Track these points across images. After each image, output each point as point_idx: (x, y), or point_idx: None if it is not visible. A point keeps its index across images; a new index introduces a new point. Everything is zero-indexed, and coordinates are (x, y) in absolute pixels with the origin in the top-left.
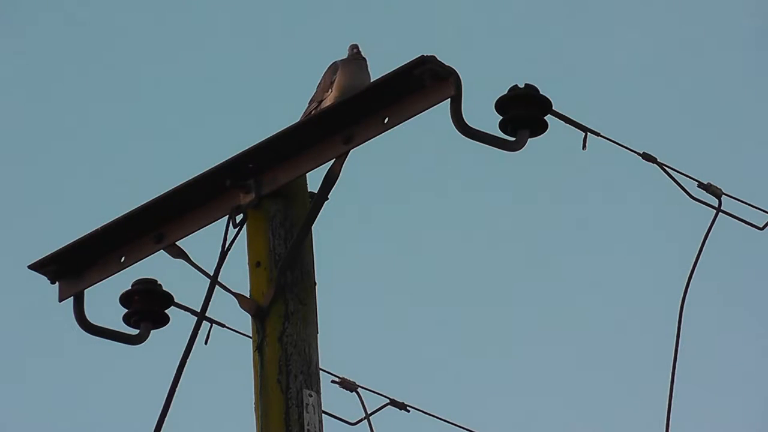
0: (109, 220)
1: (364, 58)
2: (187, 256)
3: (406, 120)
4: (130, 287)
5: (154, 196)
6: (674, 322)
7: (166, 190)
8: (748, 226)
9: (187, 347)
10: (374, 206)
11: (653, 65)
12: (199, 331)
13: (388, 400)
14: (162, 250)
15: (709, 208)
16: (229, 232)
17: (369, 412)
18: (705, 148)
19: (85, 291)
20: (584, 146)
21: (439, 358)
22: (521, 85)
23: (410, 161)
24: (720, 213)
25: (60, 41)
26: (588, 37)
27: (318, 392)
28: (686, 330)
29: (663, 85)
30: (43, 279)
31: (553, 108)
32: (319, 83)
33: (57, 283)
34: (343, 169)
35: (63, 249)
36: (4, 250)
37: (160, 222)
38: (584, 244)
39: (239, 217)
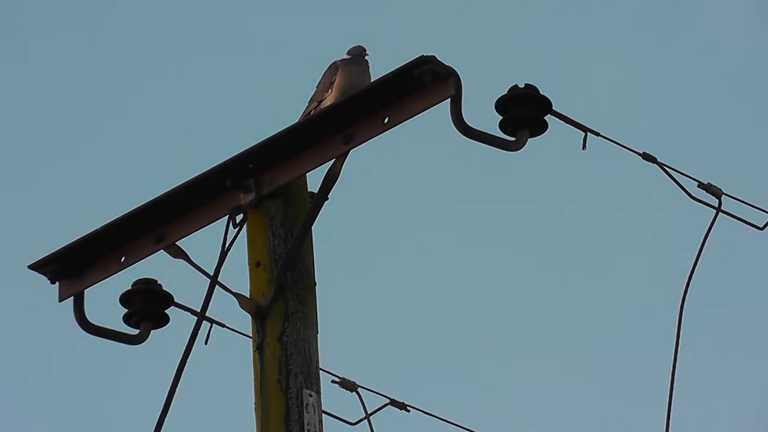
0: (109, 220)
1: (366, 60)
2: (187, 256)
3: (406, 120)
4: (130, 287)
5: (154, 196)
6: (674, 321)
7: (166, 190)
8: (748, 226)
9: (187, 347)
10: (374, 206)
11: (653, 65)
12: (199, 331)
13: (388, 400)
14: (162, 250)
15: (709, 208)
16: (229, 232)
17: (369, 412)
18: (705, 148)
19: (85, 291)
20: (584, 146)
21: (439, 358)
22: (521, 85)
23: (410, 161)
24: (720, 213)
25: (60, 42)
26: (588, 37)
27: (318, 392)
28: (686, 330)
29: (663, 85)
30: (43, 279)
31: (553, 108)
32: (319, 83)
33: (57, 283)
34: (343, 169)
35: (63, 249)
36: (4, 250)
37: (160, 222)
38: (584, 244)
39: (239, 217)
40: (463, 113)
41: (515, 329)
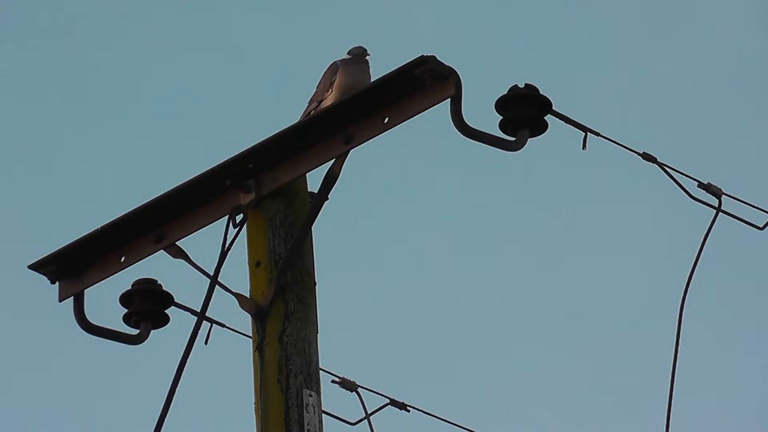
0: (109, 220)
1: (366, 60)
2: (187, 256)
3: (406, 120)
4: (130, 287)
5: (154, 196)
6: (674, 322)
7: (166, 190)
8: (748, 226)
9: (187, 347)
10: (374, 206)
11: (653, 65)
12: (199, 331)
13: (388, 400)
14: (162, 250)
15: (709, 208)
16: (229, 232)
17: (369, 412)
18: (705, 148)
19: (85, 291)
20: (584, 146)
21: (439, 358)
22: (521, 85)
23: (410, 161)
24: (720, 213)
25: (60, 42)
26: (588, 37)
27: (318, 392)
28: (686, 330)
29: (663, 85)
30: (43, 279)
31: (553, 108)
32: (319, 83)
33: (57, 283)
34: (343, 169)
35: (63, 249)
36: (4, 250)
37: (160, 222)
38: (584, 244)
39: (239, 217)
40: (463, 113)
41: (515, 329)
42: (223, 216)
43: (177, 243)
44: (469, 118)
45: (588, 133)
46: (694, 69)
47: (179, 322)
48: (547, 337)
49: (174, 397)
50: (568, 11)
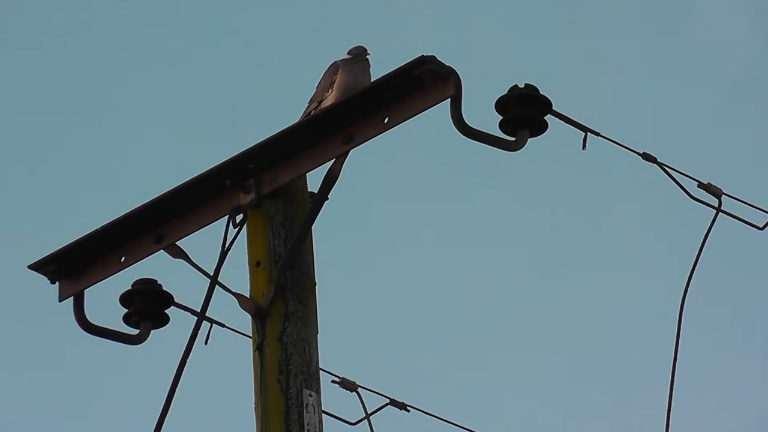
0: (109, 220)
1: (367, 59)
2: (187, 256)
3: (406, 120)
4: (130, 287)
5: (154, 196)
6: (674, 322)
7: (166, 190)
8: (748, 226)
9: (187, 347)
10: (374, 206)
11: (653, 65)
12: (199, 331)
13: (388, 400)
14: (162, 250)
15: (709, 208)
16: (229, 232)
17: (369, 412)
18: (705, 148)
19: (85, 291)
20: (584, 146)
21: (439, 358)
22: (521, 85)
23: (410, 161)
24: (720, 213)
25: (59, 42)
26: (588, 37)
27: (318, 392)
28: (686, 330)
29: (663, 85)
30: (43, 279)
31: (553, 108)
32: (320, 83)
33: (57, 283)
34: (343, 169)
35: (63, 249)
36: (4, 250)
37: (160, 222)
38: (584, 244)
39: (239, 217)
40: (463, 113)
41: (515, 329)
42: (223, 216)
43: (177, 243)
44: (469, 118)
45: (588, 133)
46: (694, 69)
47: (179, 322)
48: (547, 338)
49: (174, 397)
50: (567, 11)
